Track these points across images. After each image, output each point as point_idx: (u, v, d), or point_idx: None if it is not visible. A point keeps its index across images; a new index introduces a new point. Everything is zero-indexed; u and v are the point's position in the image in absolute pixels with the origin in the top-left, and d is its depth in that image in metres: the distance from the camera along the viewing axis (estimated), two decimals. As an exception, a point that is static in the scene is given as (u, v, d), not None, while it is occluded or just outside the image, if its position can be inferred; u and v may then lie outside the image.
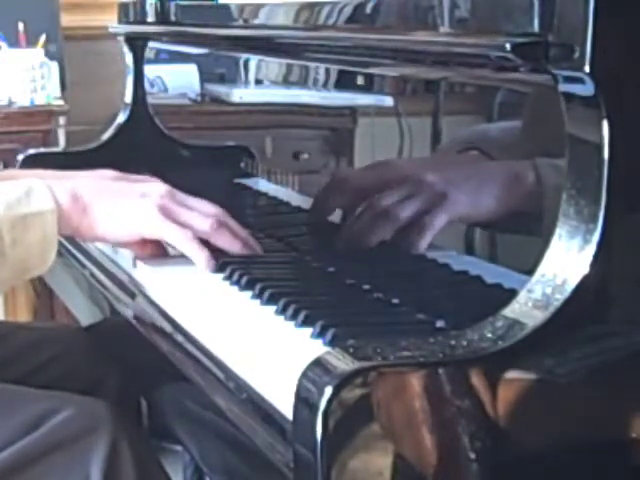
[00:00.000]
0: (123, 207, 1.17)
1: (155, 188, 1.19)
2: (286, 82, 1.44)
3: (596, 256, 0.79)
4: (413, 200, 1.06)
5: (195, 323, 1.07)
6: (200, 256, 1.17)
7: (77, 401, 1.17)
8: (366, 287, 1.09)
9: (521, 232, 0.97)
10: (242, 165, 1.53)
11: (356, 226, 1.15)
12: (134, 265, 1.24)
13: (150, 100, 1.83)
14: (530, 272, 0.83)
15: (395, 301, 1.04)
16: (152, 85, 1.85)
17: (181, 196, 1.19)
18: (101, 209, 1.16)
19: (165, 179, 1.30)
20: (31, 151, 1.75)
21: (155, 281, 1.20)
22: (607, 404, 0.82)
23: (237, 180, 1.56)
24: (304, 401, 0.76)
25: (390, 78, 1.20)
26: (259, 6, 1.35)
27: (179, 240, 1.16)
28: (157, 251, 1.22)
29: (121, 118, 1.85)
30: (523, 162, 0.93)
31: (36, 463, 1.12)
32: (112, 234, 1.18)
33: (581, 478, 0.82)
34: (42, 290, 2.42)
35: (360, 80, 1.24)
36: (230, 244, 1.19)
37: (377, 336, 0.88)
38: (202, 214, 1.18)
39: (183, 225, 1.16)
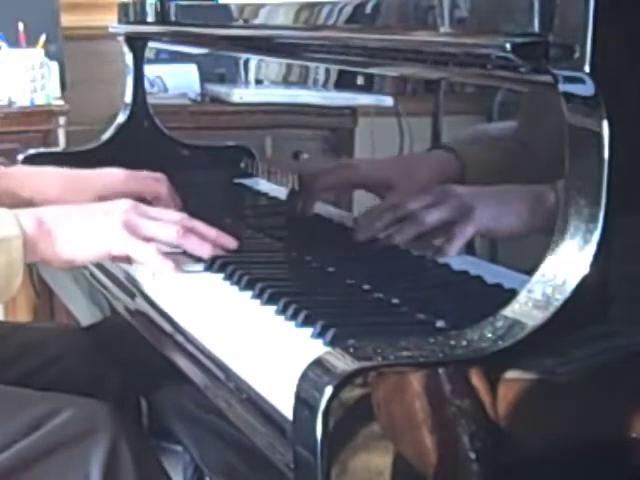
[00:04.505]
0: (88, 228, 1.18)
1: (118, 205, 1.20)
2: (286, 82, 1.44)
3: (596, 256, 0.79)
4: (443, 210, 1.05)
5: (195, 323, 1.07)
6: (166, 268, 1.18)
7: (77, 402, 1.17)
8: (366, 287, 1.09)
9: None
10: (242, 165, 1.53)
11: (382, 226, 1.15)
12: (153, 277, 1.23)
13: (150, 100, 1.83)
14: (530, 272, 0.83)
15: (395, 301, 1.04)
16: (152, 85, 1.85)
17: (145, 208, 1.20)
18: (66, 233, 1.17)
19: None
20: (31, 151, 1.75)
21: (155, 281, 1.20)
22: (607, 404, 0.82)
23: (237, 180, 1.55)
24: (304, 401, 0.76)
25: (390, 78, 1.20)
26: (259, 6, 1.35)
27: (144, 257, 1.17)
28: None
29: (121, 118, 1.85)
30: (546, 185, 0.93)
31: (36, 464, 1.12)
32: (80, 256, 1.18)
33: (581, 478, 0.82)
34: (42, 290, 2.41)
35: (360, 80, 1.24)
36: (199, 248, 1.20)
37: (377, 336, 0.88)
38: (167, 223, 1.19)
39: (149, 238, 1.17)
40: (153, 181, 1.40)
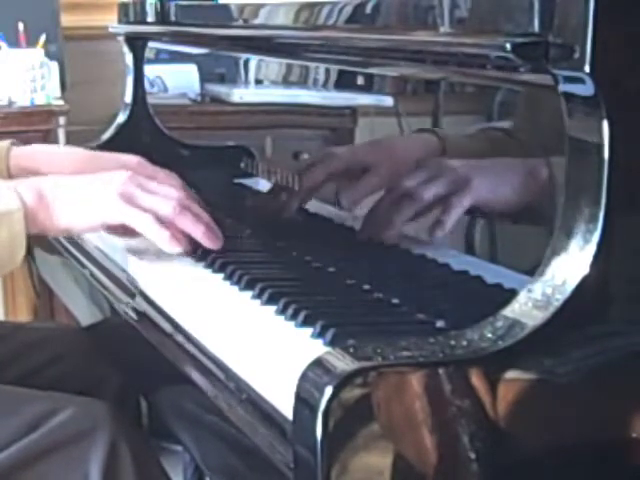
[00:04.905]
0: (85, 198, 1.18)
1: (117, 176, 1.20)
2: (286, 82, 1.44)
3: (596, 256, 0.79)
4: (438, 183, 1.06)
5: (195, 323, 1.07)
6: (161, 237, 1.17)
7: (76, 402, 1.17)
8: (366, 287, 1.09)
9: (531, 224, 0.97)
10: (242, 165, 1.53)
11: (379, 209, 1.15)
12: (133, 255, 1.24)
13: (150, 100, 1.83)
14: (530, 272, 0.83)
15: (395, 301, 1.04)
16: (152, 85, 1.85)
17: (143, 181, 1.20)
18: (64, 203, 1.17)
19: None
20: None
21: (155, 281, 1.20)
22: (607, 404, 0.82)
23: (237, 180, 1.56)
24: (304, 401, 0.76)
25: (390, 78, 1.20)
26: (259, 6, 1.35)
27: (139, 223, 1.17)
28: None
29: (121, 118, 1.85)
30: (539, 159, 0.93)
31: (35, 464, 1.12)
32: (76, 226, 1.20)
33: (581, 478, 0.82)
34: (42, 290, 2.41)
35: (360, 80, 1.24)
36: (193, 227, 1.19)
37: (377, 336, 0.88)
38: (164, 198, 1.19)
39: (144, 209, 1.17)
40: (164, 176, 1.38)
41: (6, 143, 1.43)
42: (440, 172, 1.05)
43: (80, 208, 1.18)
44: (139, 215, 1.16)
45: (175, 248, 1.17)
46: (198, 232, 1.19)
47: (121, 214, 1.17)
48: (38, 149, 1.46)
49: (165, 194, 1.19)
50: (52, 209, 1.17)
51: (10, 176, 1.38)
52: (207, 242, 1.20)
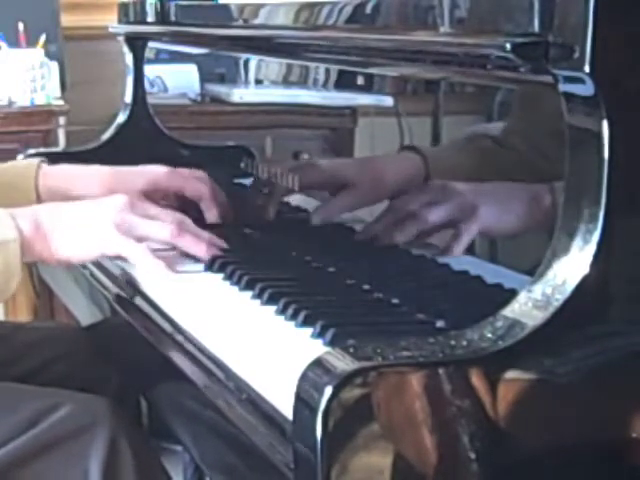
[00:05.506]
0: (82, 229, 1.19)
1: (113, 204, 1.20)
2: (286, 82, 1.44)
3: (596, 256, 0.79)
4: (445, 207, 1.06)
5: (195, 323, 1.07)
6: (156, 268, 1.17)
7: (76, 398, 1.17)
8: (366, 287, 1.09)
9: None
10: (242, 165, 1.53)
11: (381, 226, 1.16)
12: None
13: (150, 100, 1.83)
14: (530, 272, 0.83)
15: (395, 301, 1.04)
16: (152, 85, 1.85)
17: (140, 207, 1.21)
18: (61, 234, 1.18)
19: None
20: (31, 151, 1.75)
21: (155, 281, 1.20)
22: (607, 404, 0.82)
23: (237, 180, 1.56)
24: (304, 401, 0.76)
25: (390, 78, 1.20)
26: (259, 6, 1.35)
27: (134, 256, 1.18)
28: None
29: (121, 118, 1.85)
30: (542, 184, 0.93)
31: (35, 460, 1.12)
32: (74, 256, 1.20)
33: (581, 478, 0.82)
34: (42, 290, 2.42)
35: (360, 80, 1.24)
36: (195, 246, 1.20)
37: (377, 336, 0.88)
38: (162, 222, 1.19)
39: (141, 238, 1.18)
40: (195, 179, 1.40)
41: (36, 161, 1.43)
42: (446, 198, 1.06)
43: (78, 240, 1.18)
44: (133, 248, 1.17)
45: (171, 276, 1.18)
46: (201, 251, 1.20)
47: (116, 246, 1.18)
48: (66, 169, 1.46)
49: (164, 218, 1.20)
50: (49, 240, 1.17)
51: (38, 195, 1.39)
52: (210, 256, 1.21)
